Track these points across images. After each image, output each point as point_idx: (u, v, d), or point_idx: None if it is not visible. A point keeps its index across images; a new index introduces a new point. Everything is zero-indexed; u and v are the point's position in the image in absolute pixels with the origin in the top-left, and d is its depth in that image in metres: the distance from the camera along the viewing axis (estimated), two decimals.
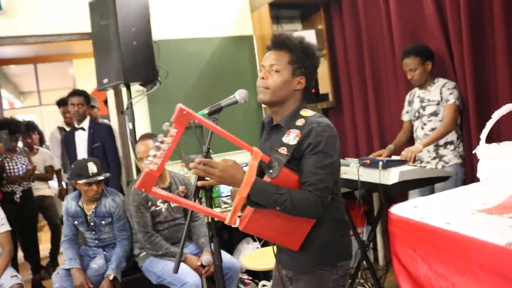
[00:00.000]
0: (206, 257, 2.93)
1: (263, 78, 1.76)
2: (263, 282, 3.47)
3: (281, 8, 4.28)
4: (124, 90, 3.67)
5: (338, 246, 1.73)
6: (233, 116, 4.02)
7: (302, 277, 1.75)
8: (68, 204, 3.25)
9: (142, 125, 3.93)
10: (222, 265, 1.86)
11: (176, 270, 1.75)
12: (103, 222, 3.22)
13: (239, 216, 1.68)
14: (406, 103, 3.50)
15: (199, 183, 1.66)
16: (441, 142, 3.19)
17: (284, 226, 1.66)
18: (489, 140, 2.97)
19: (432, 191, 3.29)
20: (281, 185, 1.59)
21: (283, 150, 1.62)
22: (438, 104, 3.19)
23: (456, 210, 1.14)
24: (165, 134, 1.61)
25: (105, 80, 3.44)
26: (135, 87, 3.75)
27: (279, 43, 1.74)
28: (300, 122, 1.68)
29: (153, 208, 3.10)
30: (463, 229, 1.03)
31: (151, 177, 1.58)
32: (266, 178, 1.62)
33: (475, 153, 3.01)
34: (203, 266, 2.96)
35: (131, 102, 3.55)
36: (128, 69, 3.32)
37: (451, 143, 3.21)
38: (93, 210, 3.21)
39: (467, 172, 3.22)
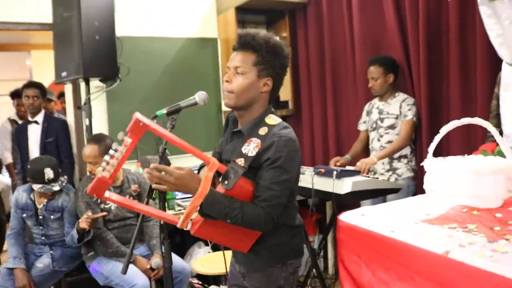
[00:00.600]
0: (156, 260, 2.89)
1: (227, 81, 1.69)
2: (212, 286, 3.46)
3: (247, 13, 4.30)
4: (82, 85, 3.59)
5: (288, 247, 1.75)
6: (192, 118, 3.99)
7: (254, 274, 1.77)
8: (19, 196, 3.14)
9: (99, 121, 3.85)
10: (172, 268, 1.85)
11: (124, 271, 1.72)
12: (52, 217, 3.12)
13: (191, 220, 1.68)
14: (364, 113, 3.58)
15: (154, 185, 1.64)
16: (396, 155, 3.28)
17: (234, 232, 1.66)
18: (439, 154, 3.09)
19: (384, 202, 3.38)
20: (235, 195, 1.58)
21: (240, 162, 1.59)
22: (396, 118, 3.28)
23: (401, 220, 1.18)
24: (119, 142, 1.59)
25: (64, 74, 3.35)
26: (94, 83, 3.66)
27: (244, 44, 1.67)
28: (262, 131, 1.64)
29: (102, 205, 3.04)
30: (406, 237, 1.07)
31: (103, 183, 1.57)
32: (220, 188, 1.61)
33: (422, 169, 3.16)
34: (152, 269, 2.92)
35: (89, 98, 3.47)
36: (89, 63, 3.23)
37: (404, 156, 3.30)
38: (45, 203, 3.12)
39: (418, 185, 3.32)
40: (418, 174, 3.31)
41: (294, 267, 1.77)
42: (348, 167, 3.14)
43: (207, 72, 4.33)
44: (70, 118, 4.10)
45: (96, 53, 3.29)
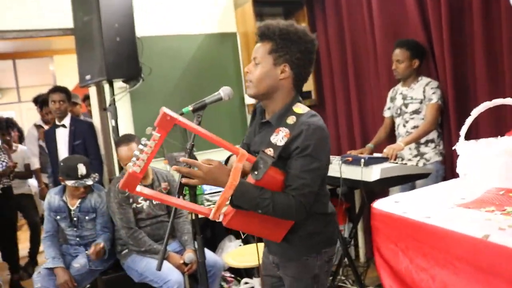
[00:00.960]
0: (189, 255, 2.93)
1: (247, 72, 1.73)
2: (245, 279, 3.49)
3: (264, 5, 4.29)
4: (106, 86, 3.64)
5: (321, 236, 1.75)
6: (215, 113, 4.02)
7: (288, 264, 1.78)
8: (51, 199, 3.21)
9: (125, 122, 3.91)
10: (205, 262, 1.87)
11: (159, 268, 1.74)
12: (86, 218, 3.19)
13: (223, 211, 1.69)
14: (388, 99, 3.54)
15: (183, 180, 1.66)
16: (422, 140, 3.24)
17: (267, 222, 1.67)
18: (468, 137, 3.04)
19: (413, 188, 3.34)
20: (265, 186, 1.59)
21: (269, 152, 1.60)
22: (421, 102, 3.23)
23: (436, 205, 1.17)
24: (148, 137, 1.61)
25: (88, 77, 3.41)
26: (118, 84, 3.71)
27: (261, 34, 1.71)
28: (291, 120, 1.65)
29: (134, 205, 3.09)
30: (442, 223, 1.06)
31: (134, 178, 1.58)
32: (250, 179, 1.62)
33: (454, 150, 3.11)
34: (185, 264, 2.96)
35: (114, 99, 3.52)
36: (111, 65, 3.28)
37: (432, 141, 3.26)
38: (78, 205, 3.18)
39: (447, 169, 3.28)
40: (447, 158, 3.27)
41: (328, 255, 1.77)
42: (376, 154, 3.12)
43: (228, 67, 4.35)
44: (96, 120, 4.17)
45: (118, 55, 3.33)
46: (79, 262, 3.15)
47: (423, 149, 3.27)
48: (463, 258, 0.98)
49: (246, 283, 3.42)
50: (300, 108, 1.70)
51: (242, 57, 4.37)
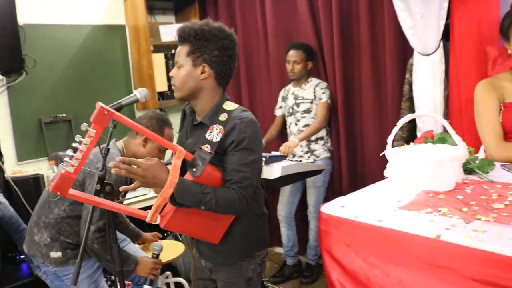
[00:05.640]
0: (156, 244, 2.65)
1: (172, 76, 1.74)
2: (167, 272, 3.38)
3: None
4: None
5: (256, 238, 1.80)
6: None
7: (222, 268, 1.81)
8: None
9: (2, 119, 3.52)
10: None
11: (74, 282, 1.66)
12: None
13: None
14: (279, 99, 3.72)
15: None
16: (313, 137, 3.47)
17: (205, 222, 1.67)
18: (352, 134, 3.36)
19: (304, 183, 3.59)
20: (204, 183, 1.59)
21: (206, 148, 1.60)
22: (311, 102, 3.46)
23: (380, 208, 1.31)
24: (82, 134, 1.51)
25: None
26: None
27: (179, 38, 1.72)
28: (223, 117, 1.67)
29: None
30: (394, 225, 1.19)
31: (68, 179, 1.48)
32: (189, 176, 1.60)
33: (340, 147, 3.40)
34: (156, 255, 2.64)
35: None
36: None
37: (321, 138, 3.52)
38: None
39: (335, 165, 3.57)
40: (335, 155, 3.56)
41: (261, 257, 1.83)
42: (274, 153, 3.27)
43: (116, 60, 4.15)
44: None
45: None
46: None
47: (313, 146, 3.51)
48: (417, 256, 1.13)
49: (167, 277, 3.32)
50: (230, 105, 1.74)
51: (131, 50, 4.21)
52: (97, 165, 2.13)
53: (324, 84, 3.47)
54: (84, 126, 1.49)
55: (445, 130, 1.61)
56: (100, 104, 1.50)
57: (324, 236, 1.34)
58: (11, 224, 3.15)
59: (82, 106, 3.83)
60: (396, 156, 1.46)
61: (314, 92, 3.46)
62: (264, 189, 1.91)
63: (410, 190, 1.42)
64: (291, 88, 3.62)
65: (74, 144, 1.48)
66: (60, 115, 3.78)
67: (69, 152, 1.49)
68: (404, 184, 1.44)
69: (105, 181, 1.68)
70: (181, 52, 1.71)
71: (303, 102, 3.49)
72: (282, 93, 3.71)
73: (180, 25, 1.75)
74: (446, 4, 2.48)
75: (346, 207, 1.36)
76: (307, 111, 3.48)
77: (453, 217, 1.20)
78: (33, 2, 3.65)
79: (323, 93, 3.43)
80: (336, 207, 1.36)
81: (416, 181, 1.41)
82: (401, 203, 1.33)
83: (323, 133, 3.51)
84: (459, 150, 1.44)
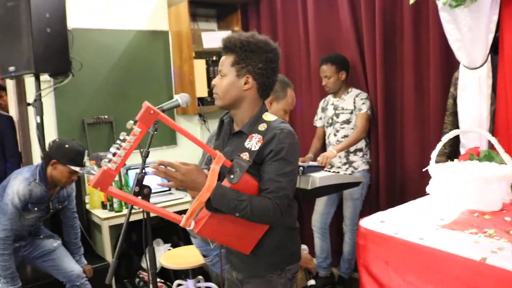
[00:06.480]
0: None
1: (214, 84, 1.76)
2: (177, 281, 3.43)
3: (198, 6, 4.23)
4: (30, 80, 3.37)
5: (287, 251, 1.78)
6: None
7: (252, 280, 1.79)
8: (35, 188, 2.82)
9: (47, 118, 3.63)
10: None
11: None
12: (60, 207, 3.08)
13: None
14: (319, 110, 3.69)
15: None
16: (352, 149, 3.43)
17: (238, 230, 1.67)
18: (392, 149, 3.28)
19: (340, 195, 3.55)
20: (241, 190, 1.59)
21: (245, 156, 1.61)
22: (351, 112, 3.42)
23: (422, 226, 1.27)
24: (127, 132, 1.54)
25: (12, 68, 3.12)
26: (42, 77, 3.45)
27: (224, 47, 1.74)
28: (262, 127, 1.68)
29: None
30: (436, 244, 1.15)
31: (109, 176, 1.50)
32: (226, 183, 1.61)
33: (379, 159, 3.33)
34: None
35: (40, 94, 3.27)
36: (40, 58, 3.05)
37: (360, 150, 3.47)
38: (56, 194, 3.00)
39: (373, 178, 3.51)
40: (373, 167, 3.50)
41: (292, 272, 1.80)
42: (311, 163, 3.23)
43: (158, 66, 4.23)
44: (13, 115, 3.82)
45: (47, 47, 3.11)
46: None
47: (352, 157, 3.47)
48: (460, 278, 1.09)
49: (180, 285, 3.37)
50: (269, 116, 1.75)
51: (173, 56, 4.28)
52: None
53: (364, 95, 3.42)
54: (129, 124, 1.52)
55: (490, 147, 1.55)
56: (147, 103, 1.53)
57: (362, 251, 1.32)
58: None
59: (124, 109, 3.93)
60: (440, 172, 1.42)
61: (354, 102, 3.42)
62: (299, 200, 1.89)
63: (453, 209, 1.37)
64: (330, 98, 3.59)
65: (118, 142, 1.51)
66: (103, 116, 3.89)
67: (112, 149, 1.51)
68: (447, 201, 1.39)
69: (143, 184, 1.71)
70: (226, 61, 1.73)
71: (343, 113, 3.46)
72: (321, 104, 3.68)
73: (221, 32, 1.78)
74: (495, 17, 2.40)
75: (386, 222, 1.32)
76: (347, 121, 3.44)
77: (500, 240, 1.15)
78: (81, 8, 3.77)
79: (363, 103, 3.38)
80: (376, 222, 1.33)
81: (461, 199, 1.36)
82: (444, 222, 1.29)
83: (362, 144, 3.46)
84: (508, 169, 1.38)
